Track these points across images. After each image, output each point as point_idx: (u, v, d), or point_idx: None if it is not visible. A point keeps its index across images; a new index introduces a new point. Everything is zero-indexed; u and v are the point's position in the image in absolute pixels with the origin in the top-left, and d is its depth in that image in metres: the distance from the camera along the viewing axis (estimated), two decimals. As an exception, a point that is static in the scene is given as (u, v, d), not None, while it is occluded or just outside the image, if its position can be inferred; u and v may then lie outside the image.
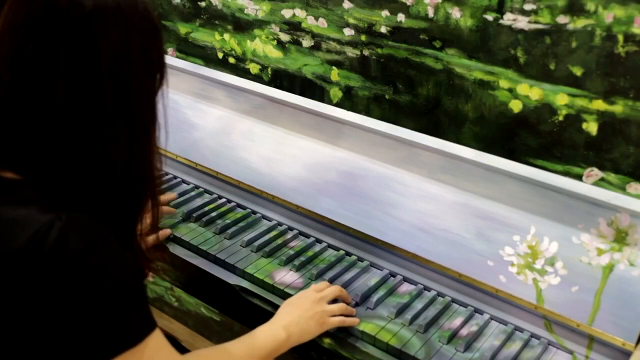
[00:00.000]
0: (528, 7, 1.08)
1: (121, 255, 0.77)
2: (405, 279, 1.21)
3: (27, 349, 0.76)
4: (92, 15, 0.73)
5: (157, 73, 0.82)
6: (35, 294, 0.71)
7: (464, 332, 1.08)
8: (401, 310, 1.12)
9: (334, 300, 1.11)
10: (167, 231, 1.31)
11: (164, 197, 1.39)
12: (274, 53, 1.50)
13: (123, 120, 0.77)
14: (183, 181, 1.52)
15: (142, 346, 0.76)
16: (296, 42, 1.44)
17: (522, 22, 1.10)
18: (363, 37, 1.32)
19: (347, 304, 1.12)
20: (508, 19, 1.12)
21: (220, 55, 1.61)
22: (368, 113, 1.36)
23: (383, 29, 1.29)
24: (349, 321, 1.08)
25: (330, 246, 1.29)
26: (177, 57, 1.71)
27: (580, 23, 1.04)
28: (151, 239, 1.25)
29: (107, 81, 0.74)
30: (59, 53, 0.72)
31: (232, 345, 0.97)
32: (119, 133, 0.77)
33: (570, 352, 1.05)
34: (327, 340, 1.09)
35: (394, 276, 1.21)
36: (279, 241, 1.30)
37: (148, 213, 1.26)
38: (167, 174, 1.55)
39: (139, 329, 0.77)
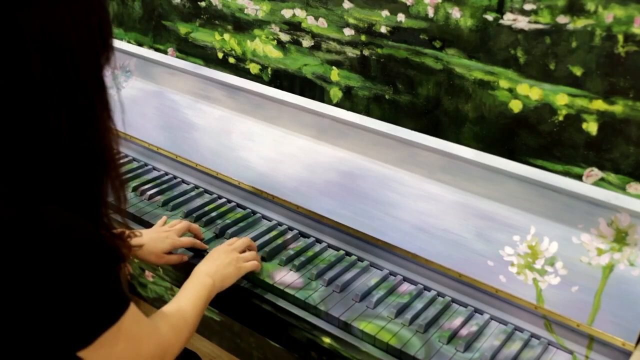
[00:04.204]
0: (528, 7, 1.08)
1: (91, 240, 0.78)
2: (405, 279, 1.21)
3: (7, 339, 0.78)
4: None
5: (98, 42, 0.78)
6: (8, 287, 0.73)
7: (464, 332, 1.08)
8: (401, 310, 1.12)
9: None
10: (184, 258, 1.26)
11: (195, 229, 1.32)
12: (274, 53, 1.50)
13: (61, 94, 0.75)
14: (183, 181, 1.52)
15: (120, 324, 0.80)
16: (296, 42, 1.44)
17: (522, 22, 1.10)
18: (363, 37, 1.32)
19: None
20: (508, 19, 1.12)
21: (220, 55, 1.61)
22: (368, 113, 1.36)
23: (383, 29, 1.29)
24: (259, 266, 1.20)
25: (330, 246, 1.29)
26: (177, 57, 1.71)
27: (580, 23, 1.04)
28: (173, 258, 1.25)
29: (36, 58, 0.72)
30: None
31: (180, 302, 1.01)
32: (58, 108, 0.75)
33: (570, 352, 1.05)
34: (327, 340, 1.09)
35: (394, 276, 1.21)
36: (279, 241, 1.30)
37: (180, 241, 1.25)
38: (167, 173, 1.55)
39: (114, 309, 0.81)
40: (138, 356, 0.85)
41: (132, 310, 0.84)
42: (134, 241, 0.98)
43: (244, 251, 1.21)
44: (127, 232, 0.96)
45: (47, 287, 0.74)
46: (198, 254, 1.26)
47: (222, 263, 1.13)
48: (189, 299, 1.03)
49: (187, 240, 1.25)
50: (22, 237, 0.73)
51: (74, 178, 0.80)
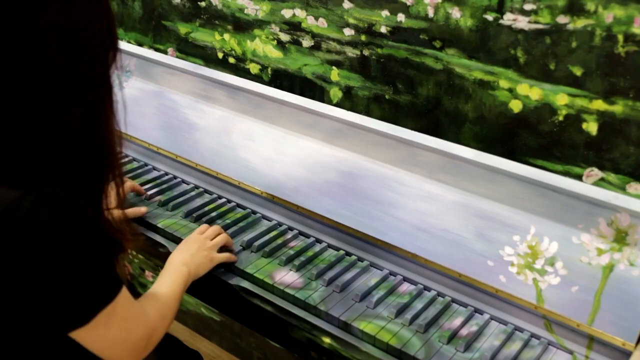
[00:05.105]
0: (528, 7, 1.08)
1: (89, 221, 0.81)
2: (405, 279, 1.21)
3: (3, 318, 0.81)
4: None
5: (107, 43, 0.85)
6: (8, 267, 0.76)
7: (464, 332, 1.08)
8: (401, 310, 1.12)
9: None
10: (143, 209, 1.35)
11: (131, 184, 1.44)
12: (274, 53, 1.50)
13: (75, 90, 0.80)
14: (183, 181, 1.52)
15: (114, 304, 0.84)
16: (296, 42, 1.44)
17: (522, 22, 1.10)
18: (363, 37, 1.32)
19: (230, 249, 1.26)
20: (508, 19, 1.12)
21: (220, 55, 1.61)
22: (368, 113, 1.36)
23: (383, 29, 1.29)
24: (233, 257, 1.23)
25: (330, 246, 1.29)
26: (177, 57, 1.71)
27: (580, 23, 1.04)
28: (127, 212, 1.30)
29: (55, 53, 0.77)
30: (2, 29, 0.75)
31: (161, 289, 1.05)
32: (72, 103, 0.80)
33: (570, 352, 1.05)
34: (327, 340, 1.09)
35: (394, 276, 1.21)
36: (279, 241, 1.30)
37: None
38: (167, 173, 1.55)
39: (109, 289, 0.85)
40: (129, 338, 0.88)
41: (125, 292, 0.87)
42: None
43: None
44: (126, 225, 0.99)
45: (47, 265, 0.77)
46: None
47: (195, 252, 1.17)
48: (169, 287, 1.07)
49: (225, 254, 1.24)
50: (23, 215, 0.76)
51: (79, 171, 0.84)
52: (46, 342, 0.87)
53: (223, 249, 1.25)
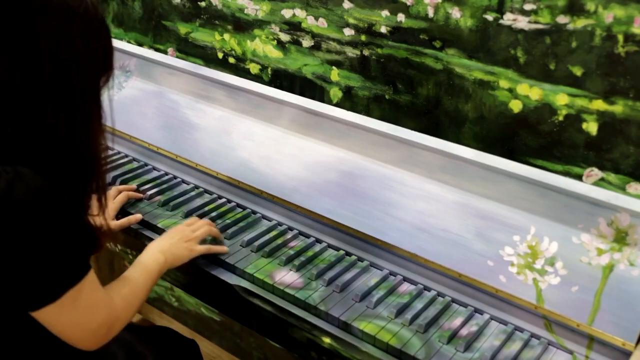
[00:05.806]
0: (528, 7, 1.09)
1: (63, 206, 0.83)
2: (405, 279, 1.21)
3: None
4: (33, 3, 0.80)
5: (101, 65, 0.89)
6: None
7: (464, 332, 1.08)
8: (401, 310, 1.12)
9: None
10: (138, 216, 1.36)
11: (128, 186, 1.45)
12: (274, 53, 1.50)
13: (62, 99, 0.84)
14: (183, 181, 1.52)
15: (80, 286, 0.87)
16: (296, 42, 1.44)
17: (522, 22, 1.10)
18: (363, 37, 1.32)
19: (220, 241, 1.26)
20: (508, 19, 1.12)
21: (220, 55, 1.61)
22: (368, 113, 1.36)
23: (383, 29, 1.29)
24: (215, 248, 1.23)
25: (330, 246, 1.29)
26: (177, 57, 1.71)
27: (580, 23, 1.04)
28: (122, 221, 1.33)
29: (46, 63, 0.81)
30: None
31: (132, 276, 1.06)
32: (57, 110, 0.84)
33: (570, 352, 1.05)
34: (327, 340, 1.09)
35: (394, 276, 1.21)
36: (279, 241, 1.30)
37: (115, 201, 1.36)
38: (167, 173, 1.55)
39: (77, 270, 0.87)
40: (90, 323, 0.91)
41: (92, 277, 0.90)
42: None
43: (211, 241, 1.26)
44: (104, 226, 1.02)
45: (16, 239, 0.79)
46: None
47: (176, 242, 1.18)
48: (141, 273, 1.08)
49: (205, 245, 1.24)
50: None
51: (62, 174, 0.87)
52: (8, 323, 0.89)
53: (214, 241, 1.27)
